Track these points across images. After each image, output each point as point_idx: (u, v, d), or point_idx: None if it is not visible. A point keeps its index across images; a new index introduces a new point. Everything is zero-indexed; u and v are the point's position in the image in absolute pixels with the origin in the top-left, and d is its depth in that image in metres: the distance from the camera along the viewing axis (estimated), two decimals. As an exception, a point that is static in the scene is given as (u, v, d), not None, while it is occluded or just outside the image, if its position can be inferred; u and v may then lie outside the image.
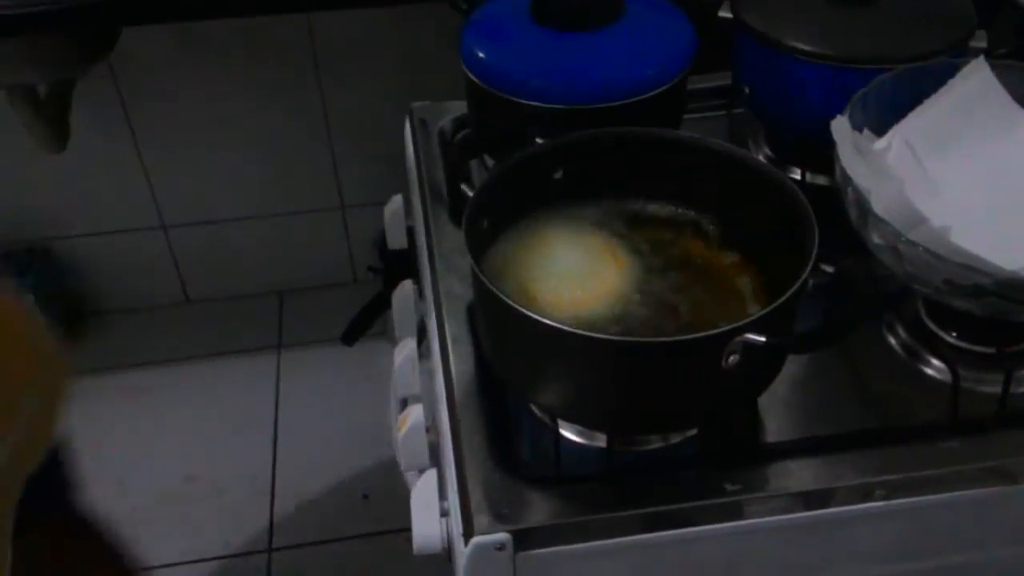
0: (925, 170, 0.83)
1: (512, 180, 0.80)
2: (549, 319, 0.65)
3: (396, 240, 1.09)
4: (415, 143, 1.07)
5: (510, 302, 0.66)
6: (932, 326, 0.84)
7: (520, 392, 0.76)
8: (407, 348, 0.92)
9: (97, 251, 2.04)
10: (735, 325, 0.64)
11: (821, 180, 1.01)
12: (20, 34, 1.35)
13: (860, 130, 0.84)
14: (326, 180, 2.00)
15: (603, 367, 0.68)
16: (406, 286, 0.97)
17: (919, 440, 0.76)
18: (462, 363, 0.82)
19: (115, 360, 2.03)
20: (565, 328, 0.64)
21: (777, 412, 0.80)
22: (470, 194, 0.76)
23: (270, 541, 1.73)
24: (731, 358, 0.66)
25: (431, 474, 0.80)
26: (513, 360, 0.74)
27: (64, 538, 0.98)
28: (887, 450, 0.75)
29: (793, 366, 0.77)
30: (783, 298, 0.65)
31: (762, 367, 0.70)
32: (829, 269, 0.68)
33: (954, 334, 0.83)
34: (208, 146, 1.92)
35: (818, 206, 0.74)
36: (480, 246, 0.76)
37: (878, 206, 0.73)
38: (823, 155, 0.84)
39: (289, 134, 1.92)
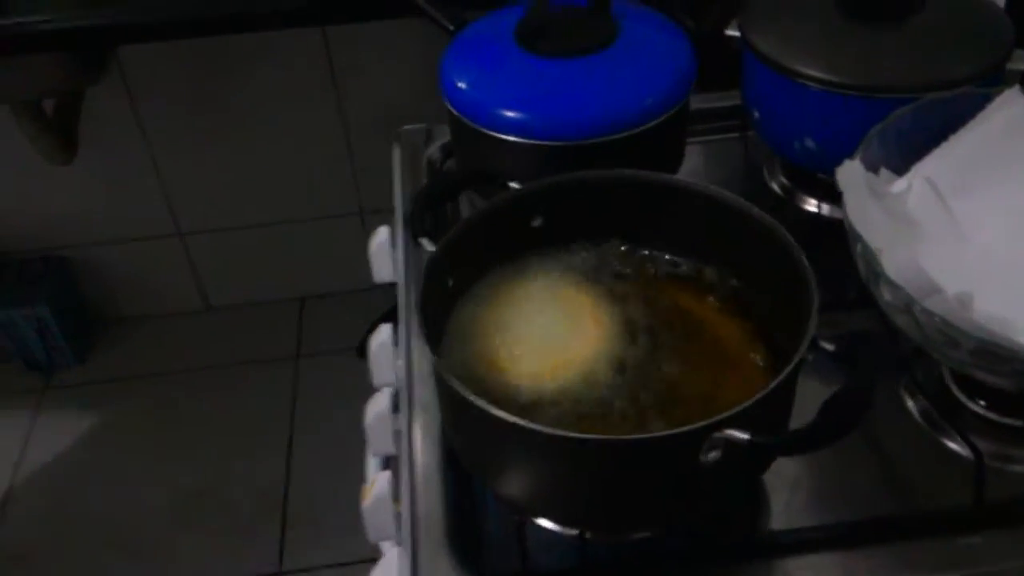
0: (951, 213, 0.73)
1: (484, 229, 0.72)
2: (500, 410, 0.57)
3: (382, 273, 1.02)
4: (402, 171, 1.00)
5: (457, 386, 0.59)
6: (957, 392, 0.74)
7: (479, 480, 0.68)
8: (379, 404, 0.85)
9: (113, 259, 2.02)
10: (712, 420, 0.56)
11: (839, 214, 0.91)
12: (19, 53, 1.32)
13: (876, 169, 0.75)
14: (345, 185, 1.95)
15: (563, 464, 0.60)
16: (383, 331, 0.90)
17: (939, 533, 0.67)
18: (429, 434, 0.75)
19: (131, 369, 2.01)
20: (517, 423, 0.57)
21: (782, 489, 0.71)
22: (430, 249, 0.69)
23: (280, 562, 1.69)
24: (710, 454, 0.57)
25: (392, 557, 0.73)
26: (468, 445, 0.66)
27: None
28: (903, 545, 0.67)
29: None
30: (769, 388, 0.57)
31: (748, 464, 0.62)
32: (829, 347, 0.60)
33: (982, 403, 0.73)
34: (224, 152, 1.88)
35: (835, 242, 0.67)
36: (439, 310, 0.69)
37: (890, 268, 0.64)
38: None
39: (307, 139, 1.87)
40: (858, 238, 0.67)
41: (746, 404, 0.56)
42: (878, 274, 0.65)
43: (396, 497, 0.79)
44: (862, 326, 0.82)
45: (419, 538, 0.68)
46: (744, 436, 0.56)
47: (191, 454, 1.84)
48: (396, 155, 1.03)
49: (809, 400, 0.63)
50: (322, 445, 1.84)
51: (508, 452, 0.62)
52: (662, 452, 0.58)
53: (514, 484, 0.64)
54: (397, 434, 0.80)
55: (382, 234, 1.02)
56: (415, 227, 0.70)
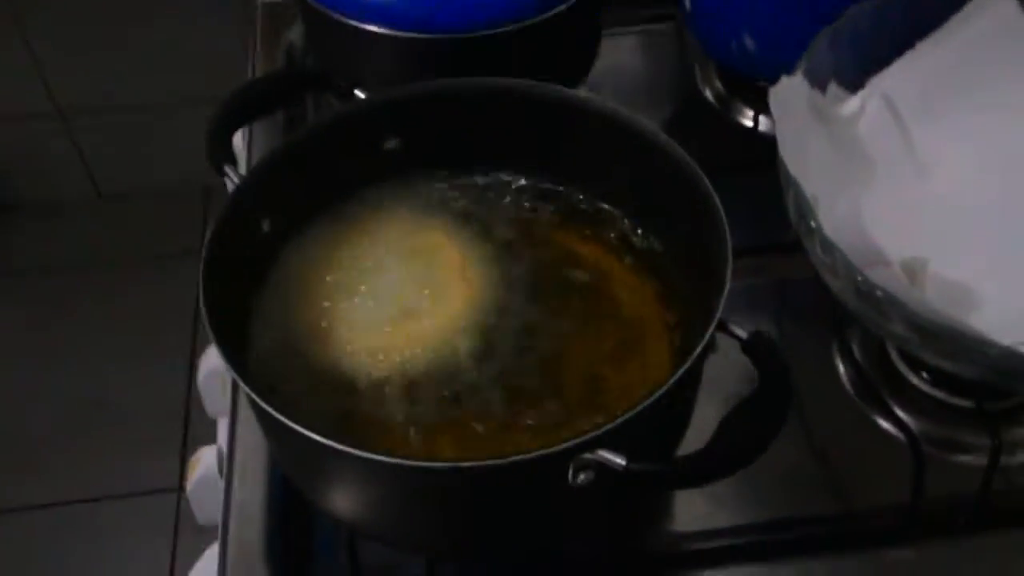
0: (911, 143, 0.58)
1: (316, 153, 0.56)
2: (306, 427, 0.42)
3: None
4: (255, 59, 0.82)
5: (257, 398, 0.43)
6: (897, 361, 0.61)
7: (303, 494, 0.53)
8: (213, 359, 0.70)
9: (-12, 140, 1.83)
10: (579, 441, 0.41)
11: (779, 130, 0.76)
12: None
13: (824, 85, 0.59)
14: (246, 63, 1.75)
15: (395, 489, 0.46)
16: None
17: (867, 542, 0.55)
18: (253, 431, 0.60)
19: (15, 264, 1.86)
20: (327, 444, 0.42)
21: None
22: (235, 180, 0.52)
23: (180, 478, 1.55)
24: (580, 476, 0.43)
25: (214, 553, 0.59)
26: (283, 455, 0.52)
27: None
28: (820, 559, 0.54)
29: (707, 407, 0.54)
30: (655, 395, 0.42)
31: (629, 490, 0.47)
32: (742, 334, 0.45)
33: (926, 376, 0.60)
34: (107, 23, 1.68)
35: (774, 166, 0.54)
36: (247, 264, 0.53)
37: (826, 223, 0.49)
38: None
39: (204, 8, 1.68)
40: (790, 181, 0.51)
41: (623, 417, 0.42)
42: (811, 228, 0.50)
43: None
44: (795, 273, 0.68)
45: (229, 558, 0.54)
46: (618, 461, 0.41)
47: (83, 360, 1.71)
48: (254, 37, 0.85)
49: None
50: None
51: (327, 472, 0.47)
52: (518, 477, 0.44)
53: (340, 505, 0.50)
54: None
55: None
56: (214, 148, 0.53)
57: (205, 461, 0.65)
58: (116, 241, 1.87)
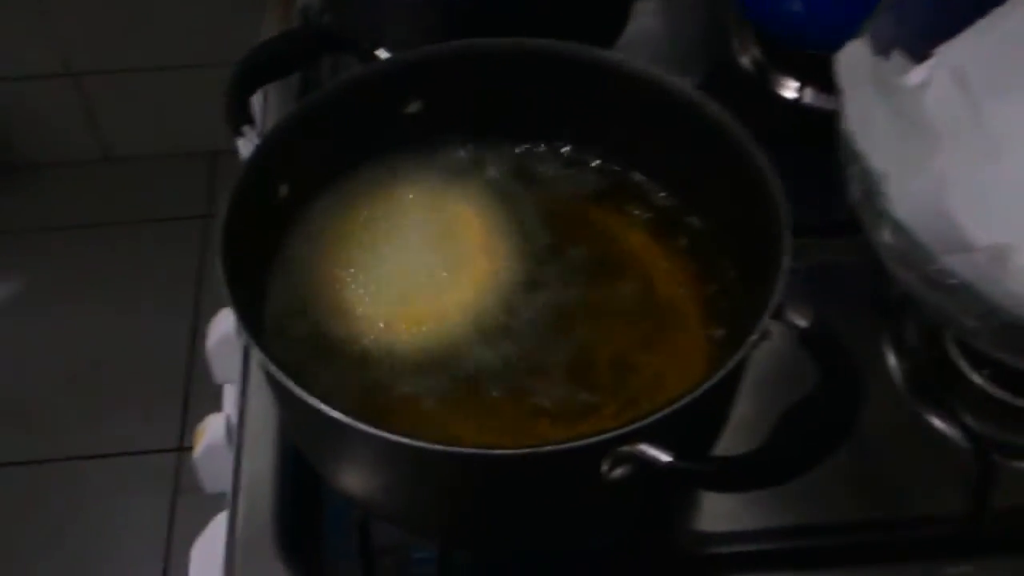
0: (982, 118, 0.53)
1: (335, 116, 0.52)
2: (330, 406, 0.38)
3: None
4: (269, 19, 0.77)
5: (274, 369, 0.39)
6: (956, 357, 0.57)
7: (317, 471, 0.49)
8: (223, 324, 0.66)
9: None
10: (617, 433, 0.38)
11: (824, 103, 0.72)
12: None
13: (887, 52, 0.54)
14: (259, 27, 1.71)
15: (411, 473, 0.42)
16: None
17: (920, 552, 0.51)
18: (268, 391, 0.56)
19: (20, 223, 1.82)
20: (349, 423, 0.38)
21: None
22: (250, 144, 0.48)
23: (181, 439, 1.54)
24: (616, 471, 0.39)
25: (222, 521, 0.56)
26: (296, 429, 0.48)
27: None
28: (867, 570, 0.50)
29: (745, 406, 0.50)
30: (706, 385, 0.38)
31: (666, 486, 0.44)
32: (802, 323, 0.41)
33: (987, 374, 0.56)
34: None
35: (818, 141, 0.52)
36: (263, 230, 0.49)
37: (899, 203, 0.45)
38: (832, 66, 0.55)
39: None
40: (855, 155, 0.47)
41: (668, 409, 0.38)
42: (879, 210, 0.46)
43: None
44: (840, 257, 0.64)
45: (238, 531, 0.51)
46: (663, 457, 0.37)
47: (85, 320, 1.68)
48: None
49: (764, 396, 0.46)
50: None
51: (344, 450, 0.44)
52: (548, 466, 0.40)
53: (354, 485, 0.46)
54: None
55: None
56: (231, 111, 0.49)
57: (212, 429, 0.62)
58: (121, 203, 1.83)
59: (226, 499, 0.56)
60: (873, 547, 0.53)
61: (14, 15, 1.66)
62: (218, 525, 0.56)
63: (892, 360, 0.59)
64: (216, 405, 1.63)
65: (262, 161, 0.48)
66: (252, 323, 0.44)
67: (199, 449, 0.63)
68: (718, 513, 0.54)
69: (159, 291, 1.71)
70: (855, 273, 0.63)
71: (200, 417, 1.64)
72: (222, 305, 0.71)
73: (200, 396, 1.58)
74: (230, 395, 0.73)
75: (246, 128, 0.49)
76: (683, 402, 0.38)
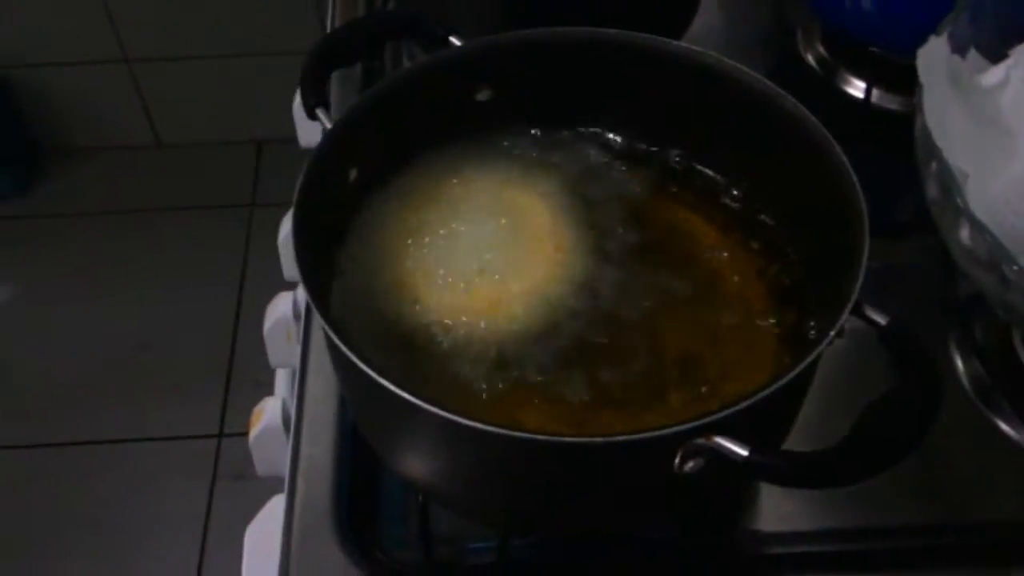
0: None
1: (406, 102, 0.52)
2: (398, 385, 0.38)
3: (308, 136, 0.81)
4: (333, 11, 0.78)
5: (343, 347, 0.40)
6: (1026, 362, 0.56)
7: (379, 455, 0.50)
8: (280, 308, 0.66)
9: (55, 82, 1.82)
10: (693, 424, 0.37)
11: (893, 104, 0.71)
12: None
13: (964, 51, 0.53)
14: (311, 18, 1.71)
15: (479, 457, 0.42)
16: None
17: (985, 557, 0.50)
18: (326, 376, 0.56)
19: (72, 206, 1.84)
20: (417, 403, 0.38)
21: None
22: (328, 125, 0.48)
23: (221, 425, 1.56)
24: (689, 463, 0.39)
25: (278, 505, 0.56)
26: (361, 410, 0.48)
27: None
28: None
29: (808, 406, 0.50)
30: (786, 378, 0.38)
31: (736, 479, 0.43)
32: (881, 320, 0.40)
33: (1060, 381, 0.55)
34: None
35: (885, 142, 0.53)
36: (333, 214, 0.49)
37: (977, 203, 0.44)
38: (903, 66, 0.54)
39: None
40: (935, 152, 0.46)
41: (748, 401, 0.38)
42: (957, 209, 0.45)
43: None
44: (901, 260, 0.63)
45: (295, 513, 0.51)
46: (740, 451, 0.37)
47: (133, 303, 1.70)
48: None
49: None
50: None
51: (406, 432, 0.44)
52: (620, 457, 0.40)
53: (417, 469, 0.46)
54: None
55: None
56: (306, 93, 0.49)
57: (269, 412, 0.62)
58: (171, 189, 1.86)
59: (277, 484, 0.57)
60: (936, 552, 0.52)
61: (78, 3, 1.68)
62: (272, 509, 0.56)
63: (959, 362, 0.58)
64: (257, 393, 1.64)
65: (333, 145, 0.48)
66: (322, 303, 0.44)
67: (254, 432, 0.63)
68: (777, 513, 0.54)
69: (204, 277, 1.72)
70: (921, 274, 0.62)
71: (241, 404, 1.66)
72: (268, 292, 0.72)
73: (240, 383, 1.59)
74: (283, 380, 0.74)
75: (320, 111, 0.49)
76: (762, 395, 0.37)
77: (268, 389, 1.66)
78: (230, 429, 1.55)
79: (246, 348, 1.64)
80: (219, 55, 1.79)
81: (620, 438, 0.38)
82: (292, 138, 2.06)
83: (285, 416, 0.64)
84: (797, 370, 0.38)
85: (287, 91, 1.91)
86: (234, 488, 1.49)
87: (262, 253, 1.75)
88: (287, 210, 0.83)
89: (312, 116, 0.50)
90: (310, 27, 1.73)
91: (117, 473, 1.49)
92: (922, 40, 0.53)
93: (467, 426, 0.38)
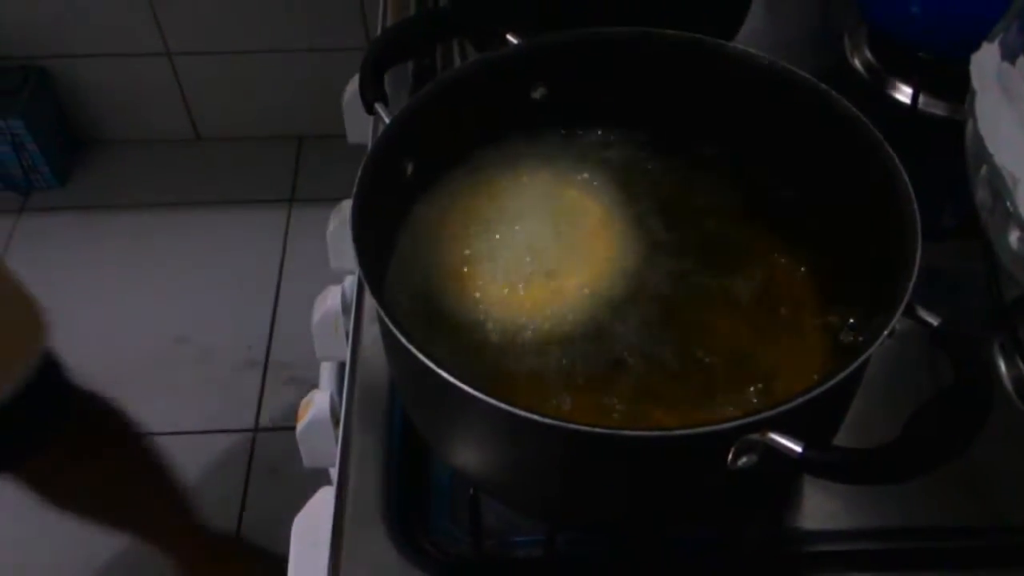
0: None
1: (463, 98, 0.53)
2: (455, 377, 0.39)
3: (357, 133, 0.83)
4: (384, 8, 0.79)
5: (402, 338, 0.41)
6: (1073, 370, 0.56)
7: (431, 446, 0.51)
8: (328, 301, 0.68)
9: (97, 75, 1.85)
10: (748, 420, 0.38)
11: (940, 109, 0.71)
12: None
13: (1014, 59, 0.54)
14: (353, 15, 1.74)
15: (530, 449, 0.43)
16: (346, 207, 0.72)
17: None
18: (378, 357, 0.57)
19: (113, 197, 1.86)
20: (476, 395, 0.39)
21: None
22: (386, 119, 0.50)
23: (256, 420, 1.57)
24: (742, 459, 0.40)
25: (326, 496, 0.57)
26: (414, 402, 0.49)
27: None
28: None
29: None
30: (840, 375, 0.39)
31: (785, 474, 0.44)
32: (933, 321, 0.41)
33: (1107, 388, 0.55)
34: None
35: (931, 147, 0.53)
36: (390, 207, 0.50)
37: (1028, 207, 0.45)
38: (951, 70, 0.55)
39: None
40: (986, 157, 0.47)
41: (804, 398, 0.38)
42: (1007, 212, 0.46)
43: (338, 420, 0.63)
44: (948, 263, 0.63)
45: (346, 506, 0.52)
46: (795, 447, 0.38)
47: (171, 296, 1.71)
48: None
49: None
50: (311, 299, 1.69)
51: (458, 421, 0.45)
52: (673, 451, 0.41)
53: (466, 458, 0.47)
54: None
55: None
56: (365, 87, 0.50)
57: (317, 404, 0.63)
58: (209, 183, 1.87)
59: (311, 478, 0.58)
60: (976, 553, 0.53)
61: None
62: (319, 501, 0.57)
63: (1003, 366, 0.58)
64: (292, 387, 1.65)
65: (392, 139, 0.50)
66: (380, 291, 0.45)
67: (302, 424, 0.65)
68: (821, 512, 0.54)
69: (242, 272, 1.74)
70: (966, 277, 0.63)
71: (277, 398, 1.67)
72: (305, 287, 0.74)
73: (276, 377, 1.60)
74: (328, 373, 0.75)
75: (379, 106, 0.50)
76: (817, 392, 0.38)
77: (303, 383, 1.67)
78: (265, 423, 1.56)
79: (282, 343, 1.65)
80: (260, 50, 1.80)
81: (677, 432, 0.39)
82: (332, 134, 2.07)
83: (333, 408, 0.65)
84: (851, 368, 0.39)
85: (328, 87, 1.95)
86: (269, 482, 1.50)
87: (300, 248, 1.78)
88: (326, 206, 0.84)
89: (371, 111, 0.51)
90: (351, 24, 1.75)
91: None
92: (969, 46, 0.54)
93: (523, 418, 0.39)
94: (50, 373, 0.91)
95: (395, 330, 0.41)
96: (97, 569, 1.40)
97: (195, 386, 1.60)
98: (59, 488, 1.03)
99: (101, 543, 1.31)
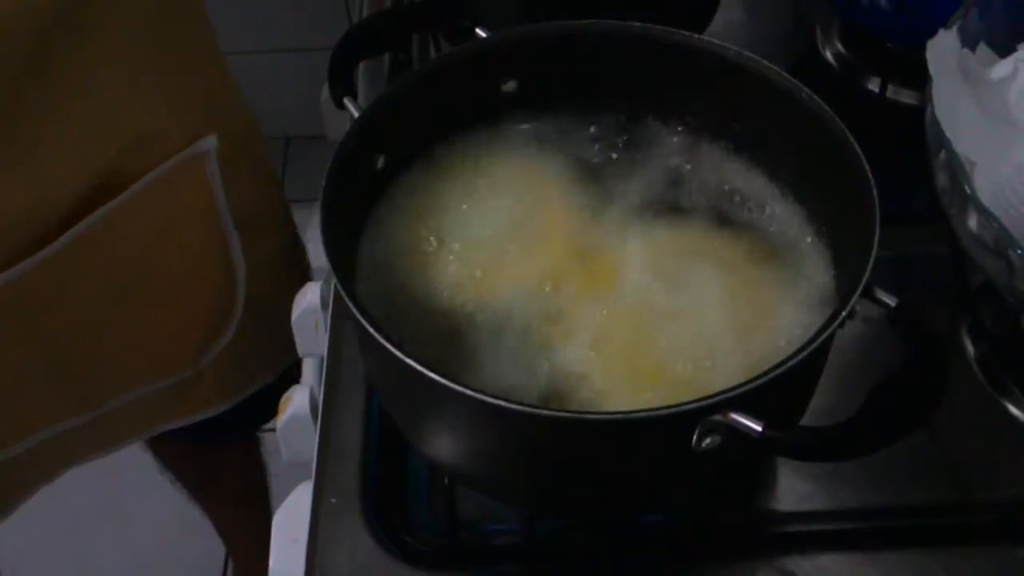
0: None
1: (433, 91, 0.54)
2: (421, 364, 0.40)
3: (335, 132, 0.83)
4: (360, 3, 0.80)
5: (369, 328, 0.42)
6: (1037, 350, 0.57)
7: (405, 436, 0.52)
8: (307, 297, 0.68)
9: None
10: (709, 402, 0.39)
11: (907, 98, 0.72)
12: None
13: (974, 45, 0.55)
14: (339, 14, 1.75)
15: (496, 434, 0.44)
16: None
17: (994, 534, 0.51)
18: (353, 363, 0.58)
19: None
20: (438, 379, 0.40)
21: (797, 462, 0.54)
22: (355, 113, 0.50)
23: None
24: (706, 440, 0.41)
25: (306, 490, 0.58)
26: (385, 389, 0.50)
27: None
28: (943, 550, 0.51)
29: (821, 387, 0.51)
30: (800, 355, 0.40)
31: (751, 455, 0.45)
32: (890, 302, 0.42)
33: (1071, 367, 0.56)
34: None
35: (898, 135, 0.55)
36: (359, 200, 0.51)
37: (984, 190, 0.46)
38: (917, 61, 0.56)
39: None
40: (944, 142, 0.48)
41: (763, 379, 0.39)
42: (965, 196, 0.47)
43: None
44: (916, 248, 0.64)
45: (324, 496, 0.53)
46: (754, 426, 0.39)
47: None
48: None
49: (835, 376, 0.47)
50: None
51: (428, 410, 0.46)
52: (641, 434, 0.41)
53: (444, 449, 0.48)
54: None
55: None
56: (335, 81, 0.51)
57: (297, 400, 0.64)
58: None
59: (296, 476, 0.58)
60: (947, 530, 0.53)
61: None
62: (299, 496, 0.58)
63: (969, 346, 0.59)
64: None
65: (360, 134, 0.50)
66: (350, 286, 0.46)
67: (282, 420, 0.65)
68: (793, 493, 0.55)
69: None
70: (932, 261, 0.64)
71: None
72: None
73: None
74: (311, 368, 0.76)
75: (348, 100, 0.51)
76: (776, 373, 0.39)
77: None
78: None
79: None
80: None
81: (641, 414, 0.40)
82: (319, 134, 2.07)
83: (312, 404, 0.66)
84: (809, 349, 0.40)
85: (314, 87, 1.94)
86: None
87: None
88: (314, 205, 0.85)
89: (340, 105, 0.52)
90: (338, 25, 1.76)
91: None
92: (932, 35, 0.55)
93: (491, 404, 0.40)
94: None
95: (363, 320, 0.42)
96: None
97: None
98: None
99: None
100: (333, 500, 0.54)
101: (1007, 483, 0.54)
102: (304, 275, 0.86)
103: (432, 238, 0.53)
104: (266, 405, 0.73)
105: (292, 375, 0.73)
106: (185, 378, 0.79)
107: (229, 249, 0.76)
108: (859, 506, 0.54)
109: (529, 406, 0.40)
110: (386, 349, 0.42)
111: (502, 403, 0.40)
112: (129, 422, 0.80)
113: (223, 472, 1.09)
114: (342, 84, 0.51)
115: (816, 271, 0.52)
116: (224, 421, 0.85)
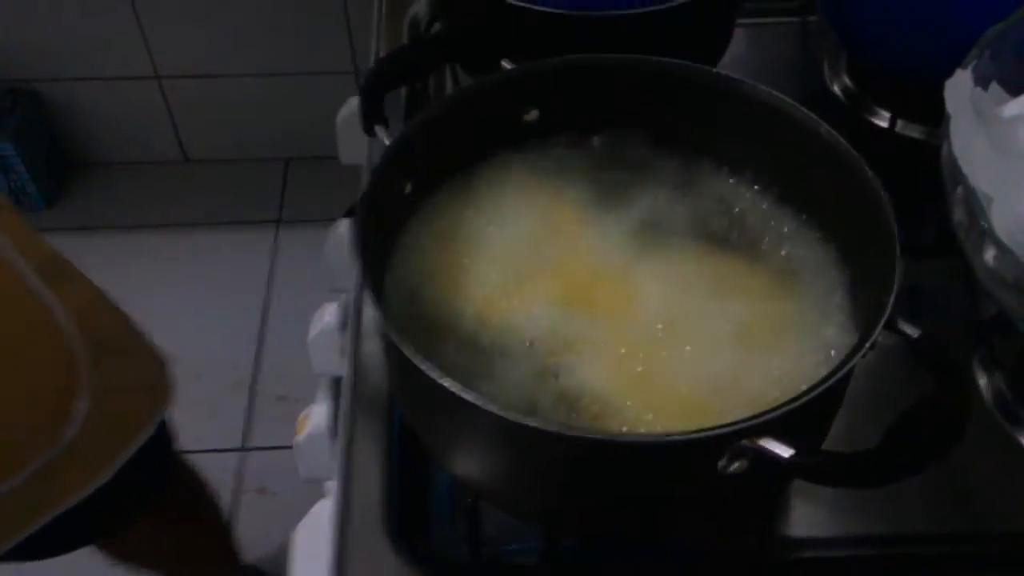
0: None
1: (459, 120, 0.55)
2: (446, 380, 0.41)
3: (350, 154, 0.85)
4: (379, 31, 0.81)
5: (402, 348, 0.42)
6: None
7: (434, 455, 0.52)
8: (325, 318, 0.69)
9: (86, 97, 1.85)
10: (740, 427, 0.40)
11: (917, 133, 0.74)
12: None
13: (986, 84, 0.56)
14: (340, 39, 1.76)
15: (522, 452, 0.44)
16: (343, 224, 0.74)
17: (1004, 566, 0.52)
18: (377, 367, 0.59)
19: (101, 218, 1.87)
20: (466, 398, 0.41)
21: (812, 489, 0.55)
22: (386, 142, 0.52)
23: (243, 439, 1.58)
24: (733, 465, 0.42)
25: (326, 507, 0.58)
26: (416, 411, 0.51)
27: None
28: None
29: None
30: (827, 383, 0.41)
31: (775, 479, 0.46)
32: (913, 333, 0.43)
33: (1080, 401, 0.57)
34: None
35: (909, 170, 0.54)
36: (389, 223, 0.52)
37: (1001, 226, 0.47)
38: (926, 97, 0.57)
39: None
40: (961, 178, 0.49)
41: (793, 404, 0.40)
42: (982, 231, 0.48)
43: (336, 433, 0.65)
44: (929, 279, 0.66)
45: (351, 511, 0.54)
46: (784, 452, 0.40)
47: (159, 317, 1.69)
48: (376, 8, 0.84)
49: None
50: (298, 319, 1.70)
51: (458, 429, 0.46)
52: (669, 457, 0.42)
53: (463, 464, 0.49)
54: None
55: (352, 105, 0.85)
56: (366, 111, 0.52)
57: (315, 418, 0.65)
58: (197, 205, 1.88)
59: (302, 495, 0.59)
60: (957, 559, 0.55)
61: (112, 18, 1.71)
62: (319, 512, 0.58)
63: (983, 379, 0.61)
64: (280, 407, 1.65)
65: (391, 162, 0.52)
66: (383, 305, 0.47)
67: (300, 437, 0.66)
68: (808, 520, 0.56)
69: (230, 292, 1.74)
70: (945, 294, 0.65)
71: (265, 418, 1.66)
72: (293, 308, 0.74)
73: (264, 397, 1.61)
74: (325, 387, 0.77)
75: (379, 128, 0.52)
76: (805, 399, 0.40)
77: (291, 402, 1.67)
78: (253, 443, 1.57)
79: (270, 363, 1.66)
80: (248, 74, 1.82)
81: (671, 438, 0.41)
82: (319, 156, 2.09)
83: (330, 422, 0.66)
84: (837, 376, 0.41)
85: (315, 110, 1.97)
86: (257, 501, 1.50)
87: (288, 269, 1.79)
88: (313, 226, 0.86)
89: (371, 133, 0.53)
90: (339, 49, 1.77)
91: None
92: (944, 72, 0.56)
93: (518, 424, 0.41)
94: (162, 434, 0.86)
95: (396, 340, 0.43)
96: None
97: (183, 406, 1.59)
98: (147, 551, 1.00)
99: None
100: (357, 518, 0.54)
101: (1018, 513, 0.55)
102: None
103: (457, 260, 0.54)
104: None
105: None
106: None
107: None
108: (871, 533, 0.56)
109: (565, 427, 0.40)
110: (417, 369, 0.43)
111: (530, 423, 0.41)
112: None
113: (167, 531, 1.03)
114: (375, 114, 0.52)
115: (832, 299, 0.53)
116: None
